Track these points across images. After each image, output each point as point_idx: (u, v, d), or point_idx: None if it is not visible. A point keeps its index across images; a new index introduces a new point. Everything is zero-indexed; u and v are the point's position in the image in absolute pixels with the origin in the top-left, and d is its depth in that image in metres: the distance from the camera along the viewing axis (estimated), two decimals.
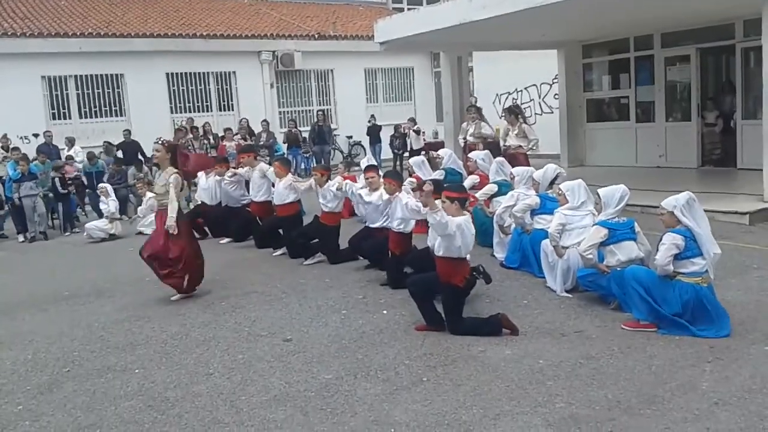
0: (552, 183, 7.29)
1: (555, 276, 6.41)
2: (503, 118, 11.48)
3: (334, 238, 8.36)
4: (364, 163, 9.75)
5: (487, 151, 10.12)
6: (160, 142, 7.28)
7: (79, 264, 9.87)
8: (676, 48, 13.44)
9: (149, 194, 12.07)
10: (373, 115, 19.83)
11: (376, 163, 9.60)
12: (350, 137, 20.95)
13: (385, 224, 7.41)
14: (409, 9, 19.88)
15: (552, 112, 17.10)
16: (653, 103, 13.95)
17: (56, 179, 12.74)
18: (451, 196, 5.52)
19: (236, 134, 16.61)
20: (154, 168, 14.26)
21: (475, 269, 6.26)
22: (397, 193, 7.02)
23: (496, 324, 5.45)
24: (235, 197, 10.23)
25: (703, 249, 5.17)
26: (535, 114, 18.30)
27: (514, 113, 11.17)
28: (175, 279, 7.14)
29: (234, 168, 10.24)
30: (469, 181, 8.73)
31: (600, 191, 6.04)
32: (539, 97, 18.39)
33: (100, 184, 12.52)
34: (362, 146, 20.33)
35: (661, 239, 5.28)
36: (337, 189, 8.11)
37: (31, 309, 7.31)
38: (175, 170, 7.10)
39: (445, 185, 5.99)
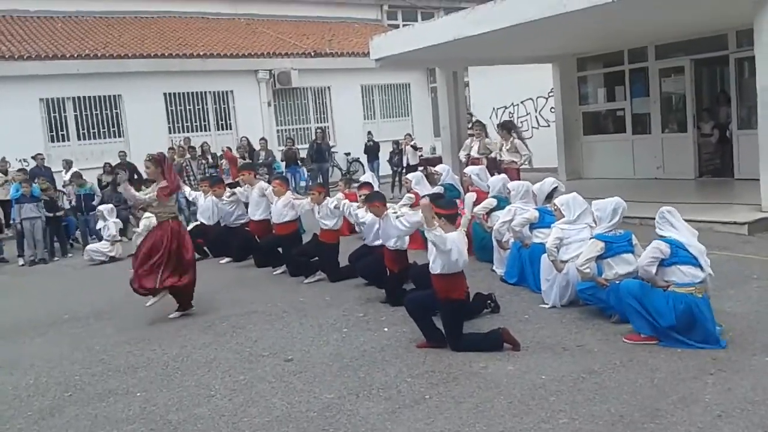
0: (549, 197, 7.30)
1: (551, 288, 6.42)
2: (497, 132, 11.51)
3: (333, 256, 8.36)
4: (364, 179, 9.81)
5: (482, 166, 10.17)
6: (148, 158, 7.36)
7: (79, 287, 9.87)
8: (671, 60, 13.53)
9: (147, 214, 12.11)
10: (370, 132, 19.89)
11: (370, 181, 9.59)
12: (348, 154, 21.01)
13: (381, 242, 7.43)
14: (404, 25, 20.01)
15: (549, 126, 17.18)
16: (649, 115, 14.01)
17: (42, 202, 12.49)
18: (441, 213, 5.53)
19: (237, 148, 16.64)
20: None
21: (489, 297, 6.31)
22: (385, 213, 7.00)
23: (497, 339, 5.45)
24: (233, 217, 10.24)
25: (696, 252, 5.18)
26: (532, 128, 18.38)
27: (506, 128, 11.20)
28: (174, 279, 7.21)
29: (229, 183, 10.25)
30: (468, 198, 8.75)
31: (593, 204, 6.05)
32: (536, 111, 18.48)
33: (99, 207, 12.51)
34: (360, 163, 20.39)
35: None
36: (334, 207, 8.13)
37: (31, 333, 7.30)
38: (166, 184, 7.19)
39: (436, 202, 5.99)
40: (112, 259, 11.62)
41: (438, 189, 9.59)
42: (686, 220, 7.54)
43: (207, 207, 10.58)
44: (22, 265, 12.05)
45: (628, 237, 5.88)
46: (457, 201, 8.14)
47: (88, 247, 11.91)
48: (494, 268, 7.89)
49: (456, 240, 5.38)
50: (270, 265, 9.26)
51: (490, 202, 8.20)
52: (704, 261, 5.25)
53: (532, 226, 7.15)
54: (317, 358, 5.63)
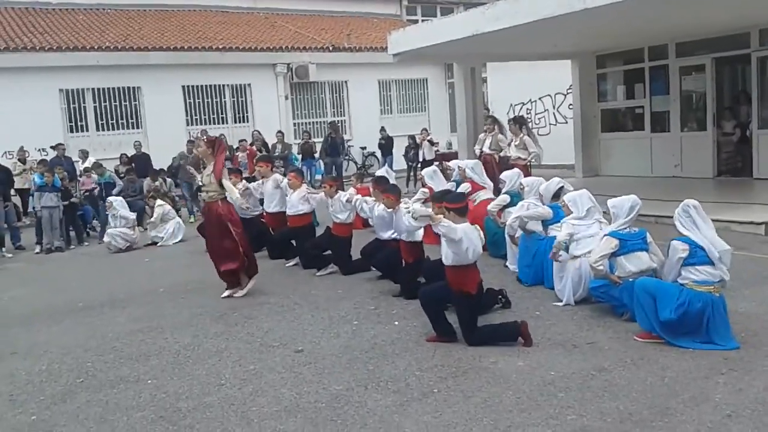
0: (557, 195, 7.26)
1: (564, 286, 6.38)
2: (509, 127, 11.46)
3: (346, 249, 8.39)
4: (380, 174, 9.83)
5: (477, 161, 10.21)
6: (202, 138, 7.58)
7: (94, 275, 9.96)
8: (691, 57, 13.37)
9: (159, 202, 12.19)
10: (383, 128, 19.69)
11: (386, 176, 9.58)
12: (364, 148, 21.02)
13: (393, 236, 7.43)
14: (423, 20, 19.93)
15: (566, 122, 17.07)
16: (668, 113, 13.86)
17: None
18: (450, 207, 5.56)
19: (251, 143, 16.67)
20: (168, 179, 14.45)
21: (500, 292, 6.30)
22: (397, 207, 7.06)
23: (513, 330, 5.44)
24: (246, 209, 10.24)
25: (713, 257, 5.12)
26: (550, 124, 18.29)
27: (518, 123, 11.15)
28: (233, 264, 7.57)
29: (247, 177, 10.27)
30: (462, 189, 8.73)
31: (609, 202, 6.01)
32: (554, 107, 18.37)
33: (108, 198, 12.61)
34: (376, 157, 20.38)
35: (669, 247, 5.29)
36: (346, 201, 8.16)
37: (47, 320, 7.38)
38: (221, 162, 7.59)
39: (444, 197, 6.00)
40: (128, 248, 11.71)
41: (450, 185, 9.52)
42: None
43: None
44: (38, 252, 12.19)
45: (642, 235, 5.83)
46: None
47: (110, 230, 11.93)
48: (507, 264, 7.86)
49: (467, 231, 5.37)
50: (283, 257, 9.29)
51: (504, 198, 8.17)
52: (723, 264, 5.17)
53: (546, 223, 7.12)
54: (327, 349, 5.65)
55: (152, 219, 12.25)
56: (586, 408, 4.22)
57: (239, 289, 7.65)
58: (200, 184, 8.07)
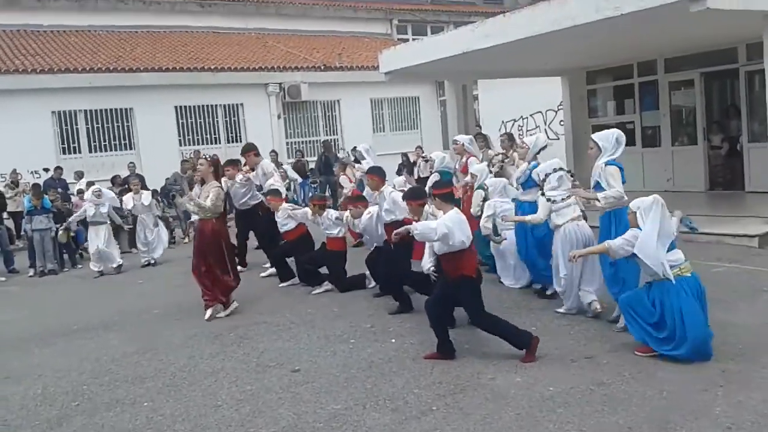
0: (540, 152, 7.56)
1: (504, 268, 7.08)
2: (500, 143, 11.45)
3: (340, 264, 8.42)
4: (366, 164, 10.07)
5: (470, 136, 10.38)
6: (205, 157, 8.09)
7: (88, 297, 9.90)
8: (680, 73, 13.50)
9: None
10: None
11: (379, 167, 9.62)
12: (358, 162, 21.01)
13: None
14: (413, 40, 20.07)
15: (558, 139, 17.13)
16: (659, 128, 13.96)
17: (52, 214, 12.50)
18: (435, 193, 5.69)
19: (245, 165, 16.60)
20: (162, 199, 14.39)
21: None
22: (381, 190, 7.34)
23: (524, 338, 5.43)
24: (244, 199, 10.19)
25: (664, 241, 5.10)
26: None
27: (511, 139, 11.17)
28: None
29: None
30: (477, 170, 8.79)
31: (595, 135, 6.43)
32: (545, 124, 18.45)
33: (93, 186, 12.32)
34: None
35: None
36: (336, 219, 8.32)
37: (41, 343, 7.32)
38: (218, 184, 7.71)
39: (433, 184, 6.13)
40: (118, 271, 11.59)
41: (433, 177, 9.50)
42: (697, 233, 7.44)
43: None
44: (32, 276, 12.11)
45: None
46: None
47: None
48: (501, 279, 7.88)
49: (453, 219, 5.37)
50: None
51: (479, 194, 8.16)
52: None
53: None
54: (324, 368, 5.62)
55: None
56: (586, 423, 4.21)
57: (220, 308, 7.65)
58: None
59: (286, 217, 8.87)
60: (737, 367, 4.89)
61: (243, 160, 10.37)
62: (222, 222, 7.74)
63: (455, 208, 5.59)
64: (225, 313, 7.65)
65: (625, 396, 4.56)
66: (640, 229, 5.14)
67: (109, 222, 11.75)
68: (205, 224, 7.63)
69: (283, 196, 9.65)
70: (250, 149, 10.35)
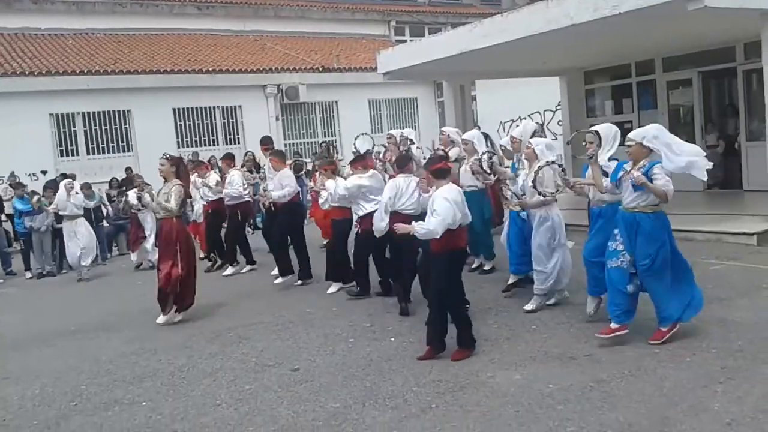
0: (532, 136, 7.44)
1: None
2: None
3: (340, 234, 8.24)
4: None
5: (457, 129, 10.29)
6: (165, 156, 7.87)
7: (86, 298, 9.88)
8: (678, 72, 13.51)
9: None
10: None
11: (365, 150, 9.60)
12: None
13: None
14: (411, 41, 20.07)
15: (556, 139, 17.11)
16: None
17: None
18: (433, 168, 5.63)
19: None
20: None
21: None
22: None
23: (469, 339, 5.59)
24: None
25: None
26: None
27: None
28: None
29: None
30: (453, 153, 8.72)
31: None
32: (543, 124, 18.44)
33: (65, 180, 12.06)
34: None
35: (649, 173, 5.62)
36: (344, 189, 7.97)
37: (39, 344, 7.31)
38: (179, 182, 7.61)
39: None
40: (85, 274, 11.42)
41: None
42: (696, 231, 7.51)
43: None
44: (30, 278, 12.09)
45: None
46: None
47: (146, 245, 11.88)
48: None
49: (449, 197, 5.37)
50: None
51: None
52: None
53: None
54: (323, 367, 5.61)
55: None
56: (586, 420, 4.20)
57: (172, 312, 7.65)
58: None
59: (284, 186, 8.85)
60: (737, 364, 4.88)
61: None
62: (180, 221, 7.75)
63: (450, 184, 5.58)
64: (161, 319, 7.60)
65: (625, 393, 4.55)
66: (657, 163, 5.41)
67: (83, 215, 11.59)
68: (165, 223, 7.63)
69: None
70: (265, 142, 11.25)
